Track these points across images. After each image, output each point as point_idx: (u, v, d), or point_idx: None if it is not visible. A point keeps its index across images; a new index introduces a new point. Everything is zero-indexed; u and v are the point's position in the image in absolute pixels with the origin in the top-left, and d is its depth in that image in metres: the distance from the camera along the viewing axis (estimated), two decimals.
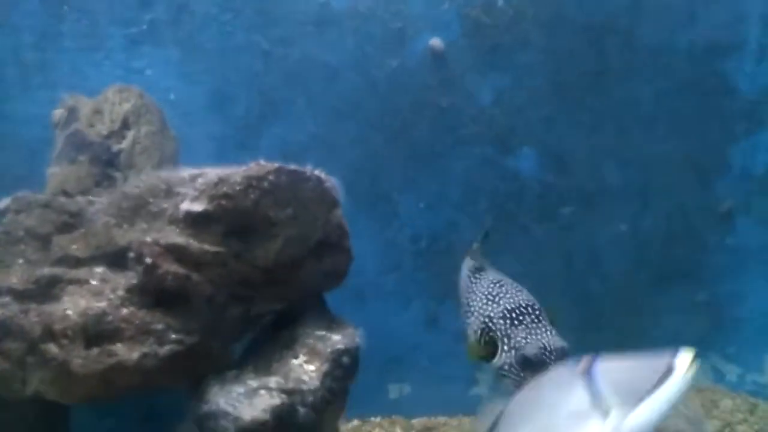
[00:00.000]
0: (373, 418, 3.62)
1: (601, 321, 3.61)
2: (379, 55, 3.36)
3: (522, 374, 1.89)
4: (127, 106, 2.91)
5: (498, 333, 2.03)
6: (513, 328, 1.99)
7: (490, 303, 2.17)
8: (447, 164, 3.52)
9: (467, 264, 2.72)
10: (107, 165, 2.76)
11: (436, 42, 3.37)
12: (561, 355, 1.88)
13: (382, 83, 3.38)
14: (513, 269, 3.77)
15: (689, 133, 3.58)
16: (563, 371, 1.52)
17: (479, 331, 2.11)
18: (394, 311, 3.63)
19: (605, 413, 1.38)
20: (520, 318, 2.01)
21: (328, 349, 2.18)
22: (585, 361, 1.46)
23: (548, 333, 1.96)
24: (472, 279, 2.45)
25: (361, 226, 3.48)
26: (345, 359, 2.19)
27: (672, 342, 3.84)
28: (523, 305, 2.08)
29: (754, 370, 3.64)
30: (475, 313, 2.19)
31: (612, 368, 1.45)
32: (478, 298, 2.25)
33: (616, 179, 3.60)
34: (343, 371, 2.19)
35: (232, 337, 2.31)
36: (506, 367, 1.95)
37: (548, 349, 1.88)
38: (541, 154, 3.56)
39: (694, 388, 3.59)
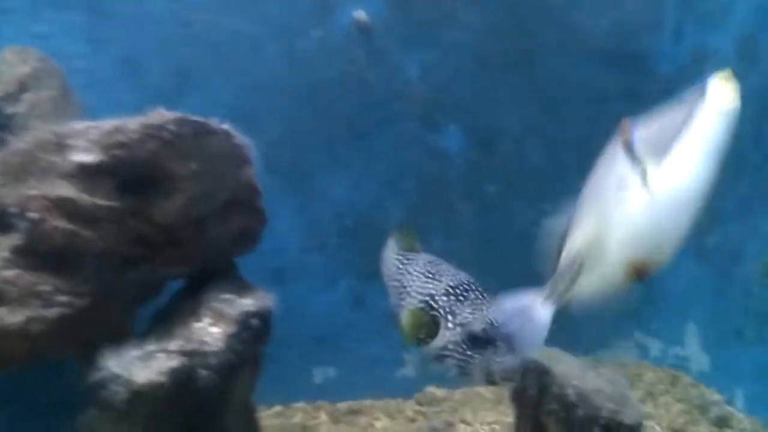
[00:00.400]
0: (296, 404, 3.48)
1: None
2: (302, 27, 3.26)
3: (469, 352, 1.81)
4: (25, 69, 2.71)
5: (441, 311, 1.92)
6: (458, 304, 1.89)
7: (430, 281, 2.05)
8: (373, 141, 3.44)
9: (391, 247, 2.61)
10: (0, 128, 2.56)
11: (361, 15, 3.30)
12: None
13: (305, 56, 3.28)
14: (439, 248, 3.74)
15: (613, 113, 3.59)
16: (610, 148, 1.46)
17: (419, 311, 1.98)
18: (318, 291, 3.52)
19: (643, 173, 1.30)
20: (465, 294, 1.92)
21: (236, 311, 2.06)
22: (623, 126, 1.39)
23: (493, 309, 1.88)
24: (403, 260, 2.33)
25: (284, 204, 3.38)
26: (254, 321, 2.07)
27: (596, 319, 3.88)
28: (466, 282, 1.99)
29: (675, 344, 3.70)
30: (413, 293, 2.06)
31: (648, 126, 1.34)
32: (415, 278, 2.12)
33: (541, 158, 3.61)
34: (253, 334, 2.07)
35: (132, 303, 2.16)
36: (450, 346, 1.85)
37: (495, 324, 1.80)
38: (467, 132, 3.54)
39: (617, 363, 3.63)
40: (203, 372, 1.89)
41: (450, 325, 1.88)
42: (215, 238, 2.20)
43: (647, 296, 3.77)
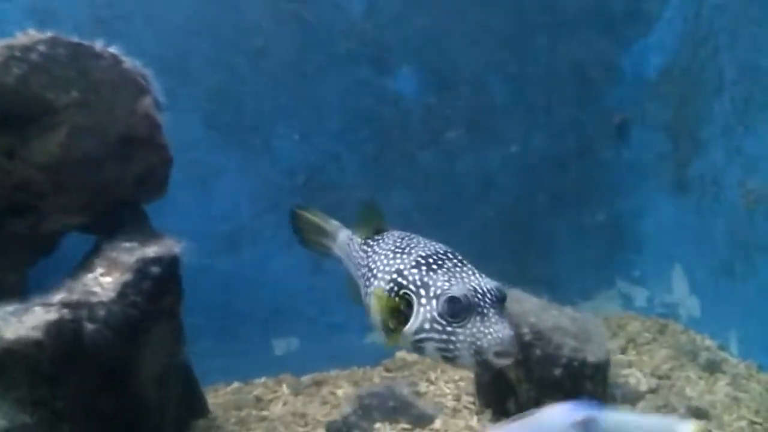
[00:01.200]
0: (258, 380, 3.22)
1: (497, 249, 3.34)
2: None
3: (450, 327, 1.43)
4: None
5: (412, 287, 1.52)
6: (431, 273, 1.51)
7: (398, 255, 1.65)
8: (320, 88, 3.16)
9: (346, 236, 2.09)
10: None
11: None
12: (498, 297, 1.46)
13: None
14: (401, 201, 3.48)
15: (575, 41, 3.35)
16: (556, 416, 1.27)
17: (387, 293, 1.57)
18: (274, 257, 3.24)
19: None
20: (439, 263, 1.54)
21: (133, 259, 1.79)
22: (584, 413, 1.24)
23: (476, 275, 1.50)
24: (369, 242, 1.87)
25: (229, 163, 3.10)
26: (154, 269, 1.81)
27: (575, 268, 3.59)
28: (441, 251, 1.60)
29: (662, 290, 3.43)
30: (378, 274, 1.65)
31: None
32: (382, 257, 1.70)
33: (503, 96, 3.34)
34: (155, 284, 1.81)
35: (20, 260, 1.90)
36: (426, 325, 1.46)
37: (480, 291, 1.44)
38: (421, 73, 3.26)
39: (600, 316, 3.36)
40: (90, 326, 1.62)
41: (423, 300, 1.48)
42: (113, 181, 1.93)
43: (621, 241, 3.51)
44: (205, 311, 3.19)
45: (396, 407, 2.26)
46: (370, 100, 3.22)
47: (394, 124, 3.27)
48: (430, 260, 1.56)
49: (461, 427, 2.21)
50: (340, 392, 2.93)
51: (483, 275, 1.53)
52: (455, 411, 2.39)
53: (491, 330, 1.40)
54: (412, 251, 1.64)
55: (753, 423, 2.27)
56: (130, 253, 1.81)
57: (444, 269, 1.53)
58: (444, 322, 1.45)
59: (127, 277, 1.73)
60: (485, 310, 1.42)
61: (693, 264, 3.23)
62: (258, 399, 2.93)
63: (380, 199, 3.29)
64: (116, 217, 2.00)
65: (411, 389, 2.52)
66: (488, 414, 2.29)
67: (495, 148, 3.38)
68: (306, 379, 3.20)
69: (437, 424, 2.25)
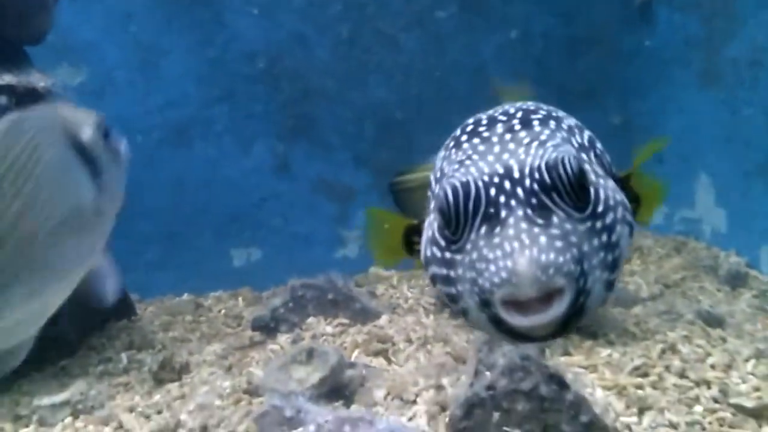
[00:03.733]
0: (212, 293, 2.84)
1: None
2: None
3: (448, 251, 0.83)
4: None
5: (433, 182, 0.95)
6: (453, 151, 0.90)
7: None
8: None
9: None
10: None
11: None
12: (544, 184, 0.79)
13: None
14: (379, 94, 3.00)
15: None
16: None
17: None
18: (231, 155, 2.88)
19: None
20: (482, 126, 0.90)
21: None
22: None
23: (528, 146, 0.84)
24: None
25: (174, 41, 2.73)
26: (1, 100, 1.39)
27: None
28: (509, 108, 0.95)
29: (683, 205, 2.92)
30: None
31: None
32: None
33: None
34: None
35: None
36: (428, 251, 0.88)
37: (509, 174, 0.81)
38: None
39: None
40: None
41: (433, 204, 0.90)
42: None
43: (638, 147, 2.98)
44: (150, 215, 2.84)
45: (336, 301, 1.91)
46: None
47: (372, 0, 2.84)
48: (470, 126, 0.92)
49: (409, 323, 1.87)
50: None
51: (555, 144, 0.85)
52: (409, 310, 2.07)
53: (498, 252, 0.76)
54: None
55: None
56: None
57: (477, 139, 0.88)
58: (443, 243, 0.85)
59: None
60: (503, 213, 0.78)
61: (721, 170, 2.73)
62: (198, 306, 2.58)
63: (354, 90, 2.81)
64: None
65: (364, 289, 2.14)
66: (446, 313, 1.90)
67: (490, 33, 2.91)
68: (267, 294, 2.84)
69: (382, 320, 1.91)
